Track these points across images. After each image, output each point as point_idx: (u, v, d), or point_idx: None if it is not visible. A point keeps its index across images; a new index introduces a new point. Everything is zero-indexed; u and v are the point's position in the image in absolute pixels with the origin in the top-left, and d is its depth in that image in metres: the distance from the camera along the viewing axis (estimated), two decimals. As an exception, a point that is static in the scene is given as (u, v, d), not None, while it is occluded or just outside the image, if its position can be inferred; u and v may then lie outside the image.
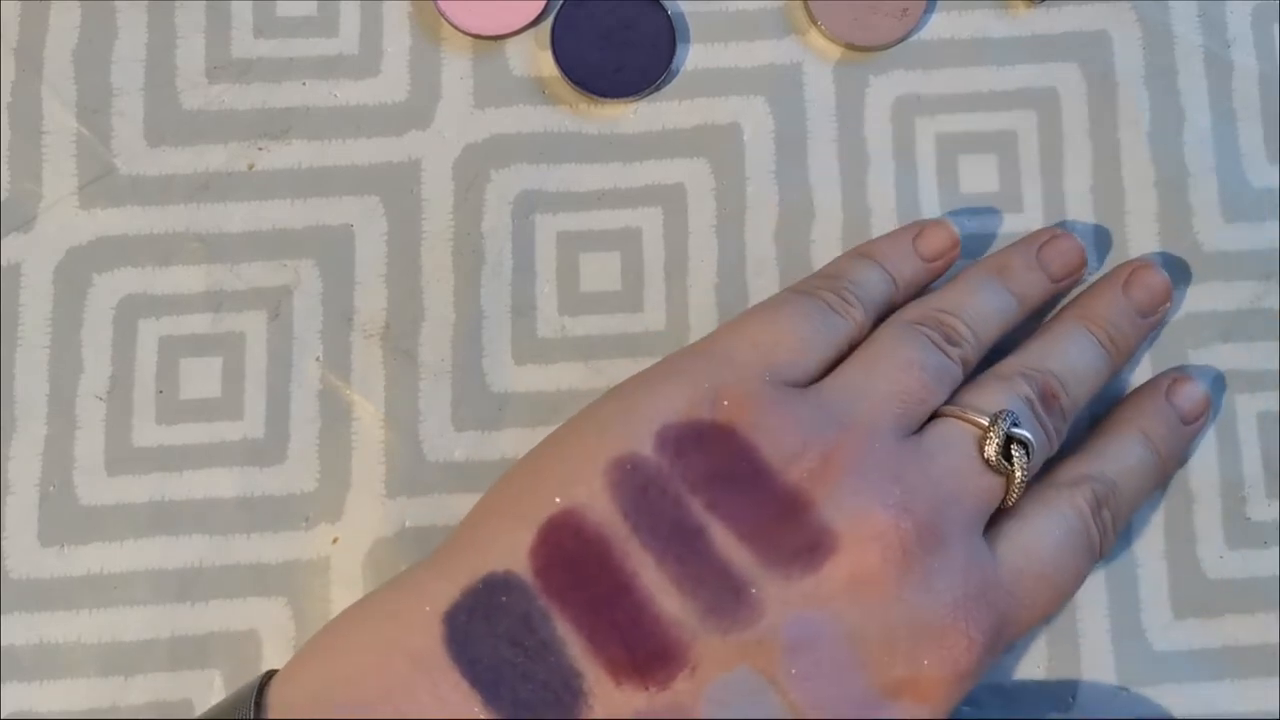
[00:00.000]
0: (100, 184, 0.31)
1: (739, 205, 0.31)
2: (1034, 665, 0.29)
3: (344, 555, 0.29)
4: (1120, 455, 0.28)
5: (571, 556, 0.24)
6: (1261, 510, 0.30)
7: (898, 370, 0.26)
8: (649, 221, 0.31)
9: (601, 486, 0.24)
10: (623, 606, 0.23)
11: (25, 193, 0.31)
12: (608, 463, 0.24)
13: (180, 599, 0.29)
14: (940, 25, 0.32)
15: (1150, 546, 0.30)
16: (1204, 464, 0.30)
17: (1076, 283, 0.30)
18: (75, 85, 0.31)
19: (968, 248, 0.31)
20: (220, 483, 0.30)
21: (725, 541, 0.24)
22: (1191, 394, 0.29)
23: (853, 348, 0.28)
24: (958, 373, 0.27)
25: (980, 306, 0.28)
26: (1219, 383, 0.31)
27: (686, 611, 0.23)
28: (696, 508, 0.24)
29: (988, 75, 0.32)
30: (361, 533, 0.30)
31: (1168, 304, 0.30)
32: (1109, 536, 0.27)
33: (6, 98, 0.31)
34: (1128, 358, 0.30)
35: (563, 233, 0.31)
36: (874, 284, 0.29)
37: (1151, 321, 0.30)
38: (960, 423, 0.26)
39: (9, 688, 0.29)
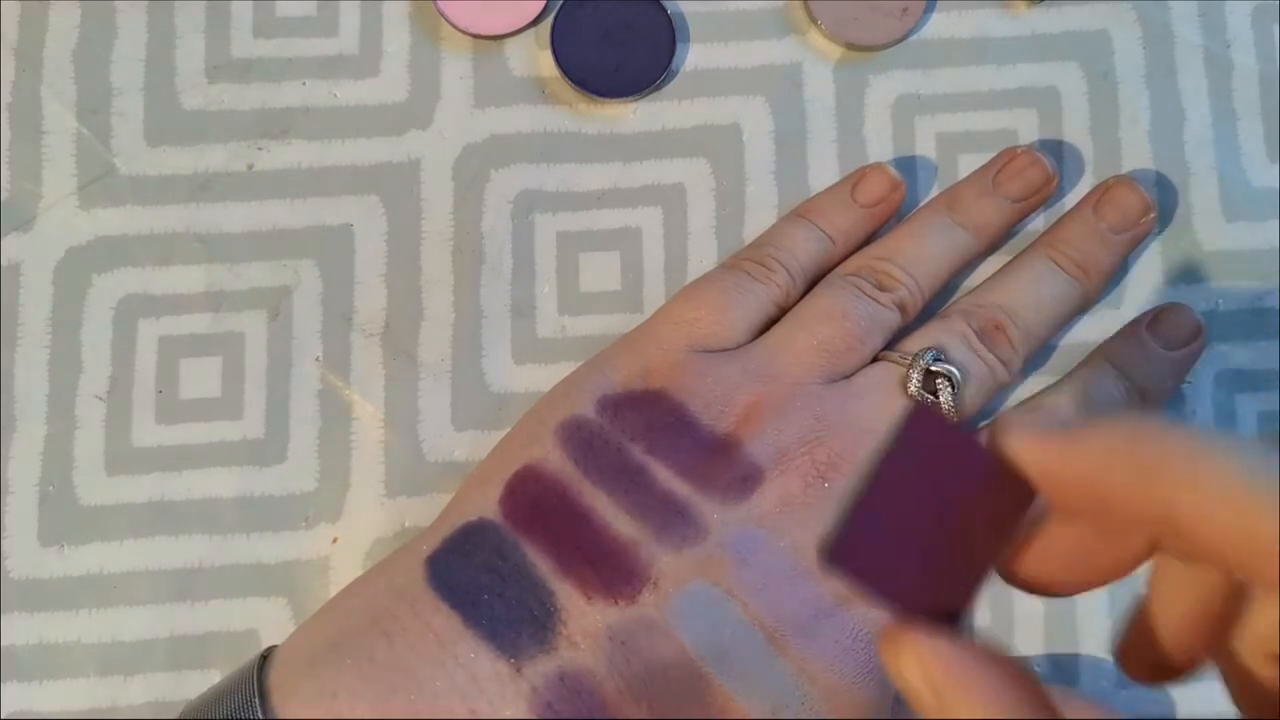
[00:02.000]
0: (100, 184, 0.31)
1: (739, 205, 0.31)
2: (1034, 665, 0.29)
3: (344, 555, 0.29)
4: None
5: (534, 498, 0.26)
6: (1261, 510, 0.30)
7: (819, 321, 0.28)
8: (649, 221, 0.31)
9: (553, 444, 0.27)
10: (583, 532, 0.25)
11: (25, 193, 0.31)
12: (557, 425, 0.27)
13: (180, 599, 0.29)
14: (940, 25, 0.32)
15: (1150, 546, 0.30)
16: (1204, 464, 0.30)
17: (1044, 200, 0.30)
18: (75, 85, 0.31)
19: (968, 247, 0.31)
20: (220, 483, 0.30)
21: (665, 476, 0.26)
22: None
23: (784, 310, 0.29)
24: (893, 318, 0.28)
25: (922, 248, 0.29)
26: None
27: (641, 533, 0.25)
28: (637, 452, 0.26)
29: (988, 75, 0.32)
30: (361, 533, 0.30)
31: (1148, 216, 0.30)
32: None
33: (6, 98, 0.31)
34: (1103, 279, 0.30)
35: (563, 233, 0.31)
36: (802, 244, 0.29)
37: (1128, 238, 0.30)
38: (887, 364, 0.28)
39: (9, 688, 0.29)
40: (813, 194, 0.31)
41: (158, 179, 0.31)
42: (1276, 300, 0.31)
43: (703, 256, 0.31)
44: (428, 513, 0.29)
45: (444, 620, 0.24)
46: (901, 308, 0.28)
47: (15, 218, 0.31)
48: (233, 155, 0.31)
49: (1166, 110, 0.32)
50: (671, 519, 0.25)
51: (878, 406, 0.27)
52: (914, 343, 0.28)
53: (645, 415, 0.27)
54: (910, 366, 0.27)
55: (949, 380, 0.27)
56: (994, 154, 0.31)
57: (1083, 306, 0.30)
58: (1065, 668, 0.29)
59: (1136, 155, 0.32)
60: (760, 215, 0.31)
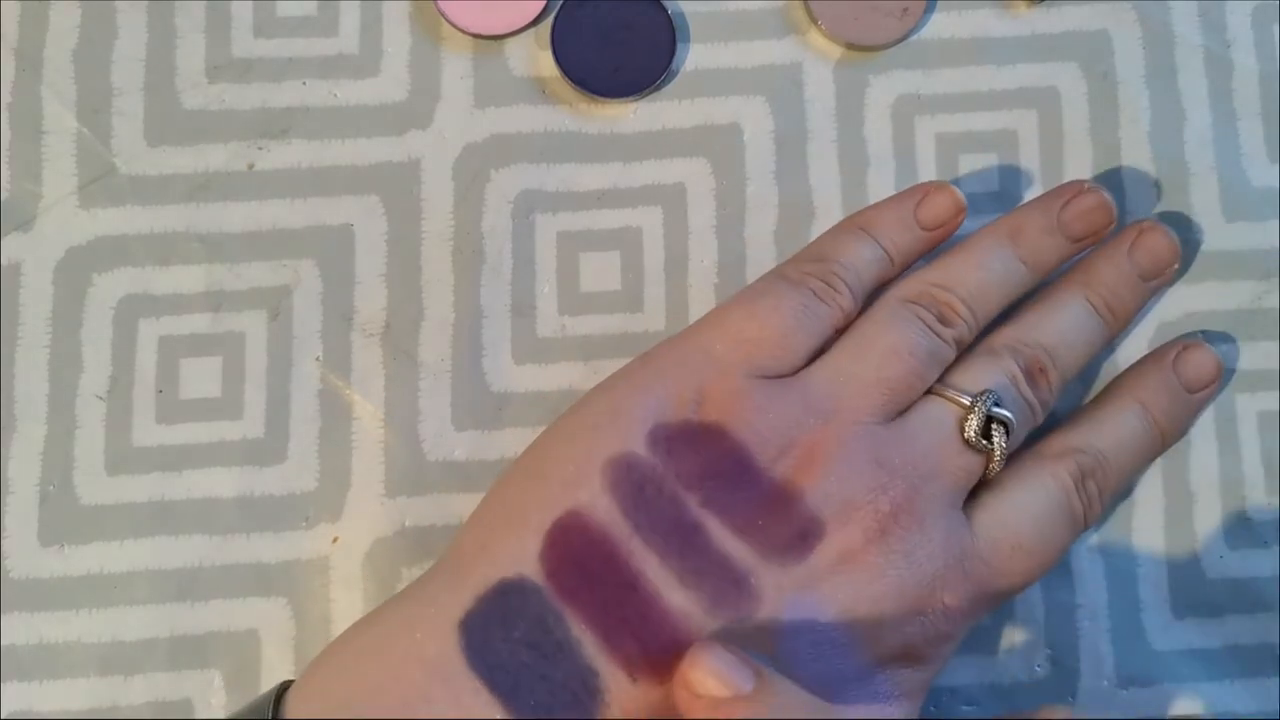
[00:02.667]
0: (100, 184, 0.31)
1: (739, 205, 0.31)
2: (1034, 665, 0.29)
3: (344, 555, 0.29)
4: (1113, 425, 0.28)
5: (580, 557, 0.24)
6: (1261, 510, 0.30)
7: (886, 357, 0.27)
8: (649, 221, 0.31)
9: (601, 487, 0.25)
10: (632, 603, 0.24)
11: (25, 193, 0.31)
12: (604, 463, 0.25)
13: (180, 599, 0.29)
14: (940, 25, 0.32)
15: (1150, 546, 0.30)
16: (1204, 464, 0.30)
17: (1097, 241, 0.30)
18: (75, 85, 0.31)
19: (968, 247, 0.31)
20: (220, 482, 0.30)
21: (722, 535, 0.25)
22: (1200, 362, 0.29)
23: (840, 331, 0.28)
24: (949, 354, 0.27)
25: (983, 280, 0.28)
26: (1231, 349, 0.31)
27: (692, 604, 0.24)
28: (692, 505, 0.25)
29: (988, 75, 0.32)
30: (361, 532, 0.30)
31: (1174, 266, 0.30)
32: (1094, 507, 0.28)
33: (6, 98, 0.31)
34: (1125, 324, 0.30)
35: (563, 232, 0.31)
36: (865, 262, 0.28)
37: (1154, 285, 0.30)
38: (944, 402, 0.27)
39: (9, 688, 0.29)
40: (813, 194, 0.31)
41: (158, 179, 0.31)
42: (1276, 300, 0.31)
43: (703, 256, 0.31)
44: (428, 513, 0.30)
45: (483, 707, 0.23)
46: (959, 344, 0.28)
47: (15, 218, 0.31)
48: (233, 155, 0.31)
49: (1166, 110, 0.32)
50: (725, 588, 0.24)
51: (937, 452, 0.26)
52: (967, 380, 0.27)
53: (702, 456, 0.25)
54: (970, 410, 0.26)
55: (1004, 426, 0.26)
56: (993, 154, 0.31)
57: (1104, 348, 0.30)
58: (1066, 667, 0.29)
59: (1136, 155, 0.32)
60: (760, 215, 0.31)
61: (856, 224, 0.29)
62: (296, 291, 0.31)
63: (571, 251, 0.31)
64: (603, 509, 0.25)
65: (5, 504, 0.29)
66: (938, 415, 0.26)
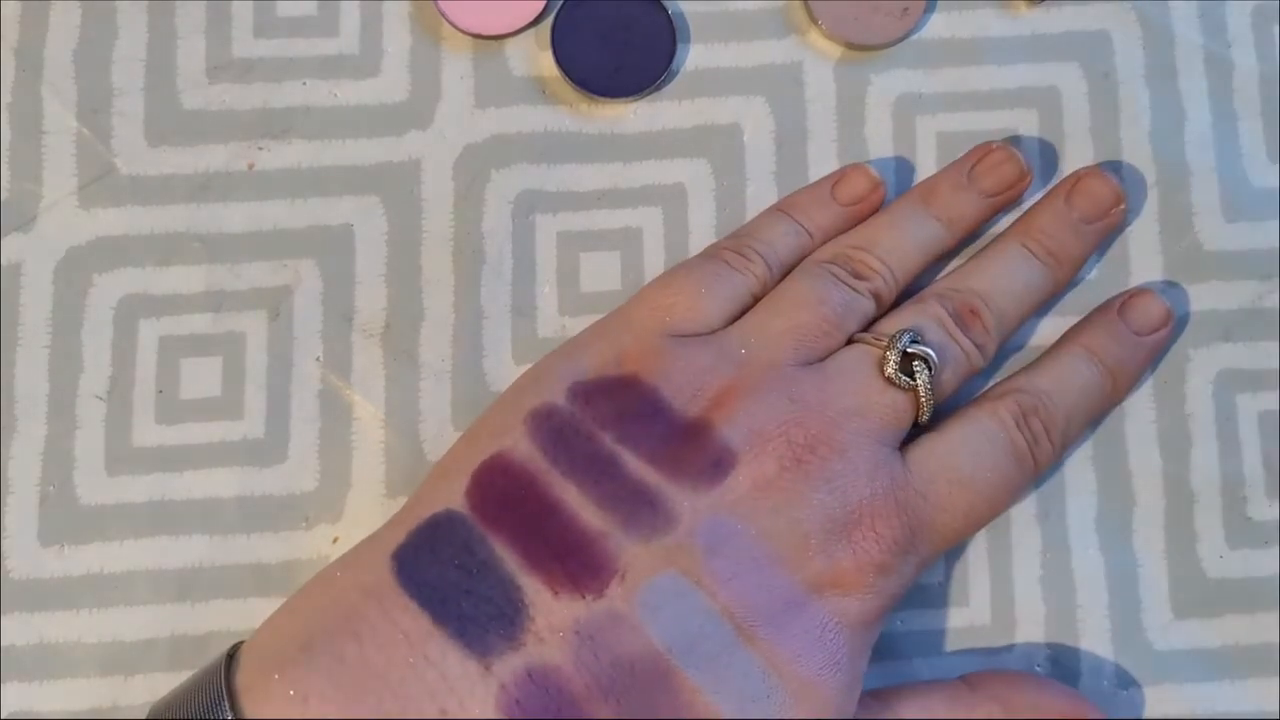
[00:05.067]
0: (100, 184, 0.31)
1: (739, 205, 0.31)
2: (1033, 665, 0.29)
3: (344, 555, 0.29)
4: (1056, 369, 0.29)
5: (502, 490, 0.26)
6: (1261, 510, 0.30)
7: (795, 307, 0.28)
8: (649, 221, 0.31)
9: (522, 433, 0.26)
10: (551, 526, 0.25)
11: (25, 193, 0.31)
12: (526, 413, 0.27)
13: (180, 599, 0.29)
14: (940, 25, 0.32)
15: (1150, 546, 0.30)
16: (1204, 464, 0.30)
17: (1018, 195, 0.30)
18: (75, 85, 0.31)
19: (971, 247, 0.31)
20: (220, 483, 0.30)
21: (635, 464, 0.26)
22: (1145, 306, 0.30)
23: (758, 300, 0.29)
24: (868, 306, 0.28)
25: (897, 239, 0.29)
26: (1179, 294, 0.31)
27: (609, 524, 0.25)
28: (607, 441, 0.26)
29: (988, 75, 0.32)
30: (361, 533, 0.29)
31: (1118, 206, 0.30)
32: (1042, 446, 0.28)
33: (6, 98, 0.31)
34: (1073, 267, 0.30)
35: (563, 233, 0.31)
36: (781, 237, 0.30)
37: (1098, 228, 0.30)
38: (862, 346, 0.28)
39: (9, 688, 0.29)
40: (813, 194, 0.31)
41: (158, 179, 0.31)
42: (1276, 300, 0.31)
43: (703, 256, 0.31)
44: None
45: (412, 620, 0.24)
46: (876, 296, 0.29)
47: (15, 218, 0.31)
48: (233, 155, 0.31)
49: (1166, 110, 0.32)
50: (640, 509, 0.25)
51: (855, 388, 0.27)
52: (889, 325, 0.28)
53: (617, 402, 0.26)
54: (887, 348, 0.27)
55: (926, 363, 0.27)
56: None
57: (1053, 293, 0.30)
58: (1066, 667, 0.29)
59: (1136, 155, 0.32)
60: (760, 215, 0.31)
61: (775, 208, 0.31)
62: (296, 291, 0.31)
63: (571, 252, 0.31)
64: (523, 449, 0.26)
65: (5, 504, 0.29)
66: (856, 356, 0.27)
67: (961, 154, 0.31)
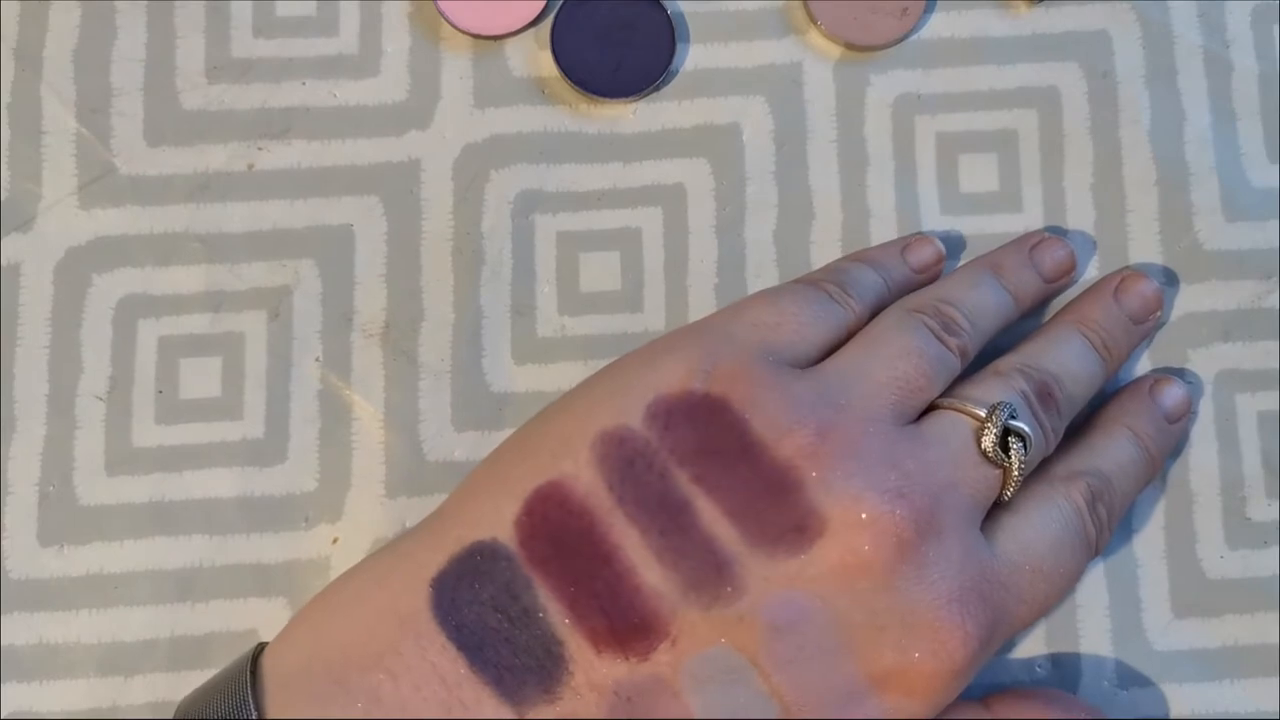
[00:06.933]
0: (100, 184, 0.31)
1: (739, 205, 0.31)
2: (1034, 665, 0.29)
3: (344, 555, 0.29)
4: (1112, 451, 0.28)
5: (556, 527, 0.24)
6: (1261, 510, 0.30)
7: (897, 356, 0.26)
8: (649, 221, 0.31)
9: (588, 459, 0.24)
10: (604, 577, 0.23)
11: (25, 193, 0.31)
12: (595, 435, 0.24)
13: (180, 599, 0.29)
14: (940, 24, 0.32)
15: (1150, 546, 0.30)
16: (1204, 464, 0.30)
17: (1067, 286, 0.31)
18: (75, 85, 0.31)
19: (971, 247, 0.31)
20: (220, 483, 0.30)
21: (710, 516, 0.24)
22: (1173, 394, 0.30)
23: (851, 337, 0.28)
24: (955, 364, 0.27)
25: (978, 299, 0.28)
26: (1196, 385, 0.31)
27: (668, 584, 0.23)
28: (683, 481, 0.24)
29: (988, 74, 0.32)
30: (361, 533, 0.30)
31: (1159, 312, 0.30)
32: (1105, 532, 0.27)
33: (6, 98, 0.31)
34: (1120, 365, 0.30)
35: (563, 233, 0.31)
36: (870, 282, 0.29)
37: (1143, 329, 0.30)
38: (958, 414, 0.26)
39: (9, 688, 0.29)
40: (813, 194, 0.31)
41: (158, 179, 0.31)
42: (1276, 300, 0.31)
43: (703, 256, 0.31)
44: (428, 513, 0.29)
45: (450, 663, 0.23)
46: (962, 354, 0.27)
47: (15, 218, 0.31)
48: (233, 155, 0.31)
49: (1166, 110, 0.32)
50: (706, 572, 0.23)
51: (954, 463, 0.25)
52: (979, 392, 0.26)
53: (700, 431, 0.24)
54: (987, 420, 0.25)
55: (1023, 440, 0.25)
56: (993, 154, 0.31)
57: (1100, 387, 0.29)
58: (1066, 667, 0.29)
59: (1136, 155, 0.32)
60: (760, 215, 0.31)
61: (853, 256, 0.30)
62: (296, 291, 0.31)
63: (571, 251, 0.31)
64: (586, 481, 0.24)
65: (5, 504, 0.29)
66: (953, 425, 0.26)
67: (961, 154, 0.31)
